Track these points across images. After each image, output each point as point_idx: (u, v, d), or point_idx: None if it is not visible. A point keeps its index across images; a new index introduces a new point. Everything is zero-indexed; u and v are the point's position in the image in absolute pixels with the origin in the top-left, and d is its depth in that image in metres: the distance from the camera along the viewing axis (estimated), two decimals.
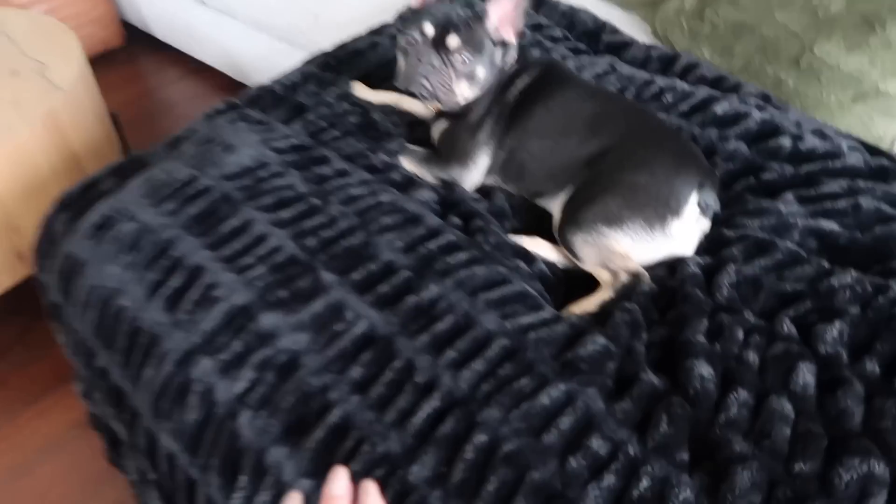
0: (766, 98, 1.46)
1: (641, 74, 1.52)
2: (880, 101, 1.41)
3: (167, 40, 3.04)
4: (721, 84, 1.52)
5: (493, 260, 1.09)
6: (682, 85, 1.46)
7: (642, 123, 1.24)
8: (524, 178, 1.28)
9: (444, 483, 0.82)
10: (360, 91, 1.51)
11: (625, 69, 1.54)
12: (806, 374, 0.89)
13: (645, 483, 0.79)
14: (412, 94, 1.25)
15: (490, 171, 1.30)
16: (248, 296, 1.04)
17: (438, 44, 1.20)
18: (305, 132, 1.38)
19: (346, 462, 0.86)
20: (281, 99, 1.51)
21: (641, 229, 1.12)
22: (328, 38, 2.16)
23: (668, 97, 1.43)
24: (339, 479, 0.63)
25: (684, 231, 1.15)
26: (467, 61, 1.20)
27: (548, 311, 1.01)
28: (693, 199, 1.14)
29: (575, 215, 1.15)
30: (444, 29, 1.20)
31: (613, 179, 1.15)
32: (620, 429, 0.84)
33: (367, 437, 0.87)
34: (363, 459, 0.86)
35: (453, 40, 1.19)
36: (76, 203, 1.32)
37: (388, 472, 0.84)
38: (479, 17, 1.22)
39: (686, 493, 0.78)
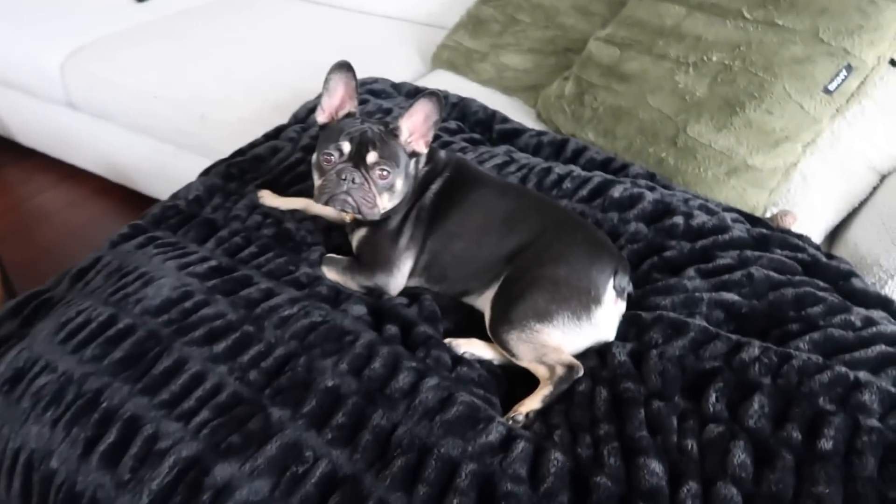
0: (652, 177, 1.60)
1: (538, 162, 1.62)
2: (750, 174, 1.58)
3: (34, 146, 2.84)
4: (609, 165, 1.65)
5: (438, 375, 1.10)
6: (577, 171, 1.56)
7: (553, 216, 1.32)
8: (448, 278, 1.32)
9: None
10: (269, 199, 1.51)
11: (521, 158, 1.64)
12: (740, 454, 0.96)
13: None
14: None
15: (413, 274, 1.33)
16: (197, 445, 0.99)
17: (357, 160, 1.23)
18: (222, 251, 1.36)
19: None
20: (188, 217, 1.48)
21: (570, 321, 1.18)
22: (217, 138, 2.14)
23: (568, 184, 1.53)
24: None
25: (607, 317, 1.22)
26: (386, 175, 1.24)
27: (499, 424, 1.02)
28: (610, 285, 1.22)
29: (506, 314, 1.19)
30: (360, 145, 1.24)
31: (535, 275, 1.21)
32: None
33: None
34: None
35: (372, 156, 1.23)
36: None
37: None
38: (393, 132, 1.27)
39: None
